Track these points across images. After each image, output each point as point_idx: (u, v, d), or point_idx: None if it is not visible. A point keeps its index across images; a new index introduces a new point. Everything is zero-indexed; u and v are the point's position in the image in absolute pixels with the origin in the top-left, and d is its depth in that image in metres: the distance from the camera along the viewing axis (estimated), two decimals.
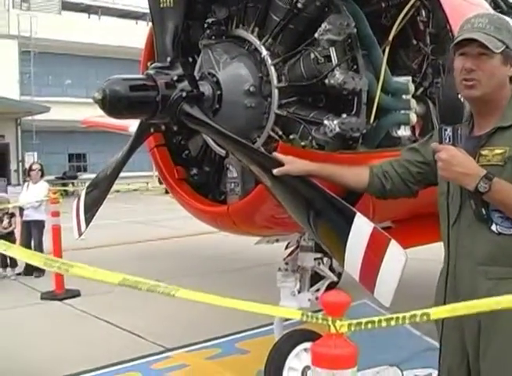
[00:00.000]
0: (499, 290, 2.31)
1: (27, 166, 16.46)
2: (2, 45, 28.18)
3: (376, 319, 1.83)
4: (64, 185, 29.42)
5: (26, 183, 10.64)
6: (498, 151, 2.41)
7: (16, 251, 4.01)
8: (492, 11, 5.23)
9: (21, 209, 10.10)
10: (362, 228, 2.83)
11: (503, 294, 2.14)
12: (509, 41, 2.42)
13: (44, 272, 9.24)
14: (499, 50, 2.38)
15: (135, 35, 31.62)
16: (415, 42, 4.28)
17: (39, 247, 9.47)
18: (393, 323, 1.80)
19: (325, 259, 4.71)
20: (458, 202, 2.49)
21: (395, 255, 2.69)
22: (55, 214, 8.43)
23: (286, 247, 5.89)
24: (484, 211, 2.40)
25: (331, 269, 5.23)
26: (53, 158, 31.60)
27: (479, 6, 5.07)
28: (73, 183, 31.38)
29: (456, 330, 2.53)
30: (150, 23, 3.97)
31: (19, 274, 9.41)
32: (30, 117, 27.96)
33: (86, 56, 32.27)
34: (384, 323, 1.81)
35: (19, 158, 27.91)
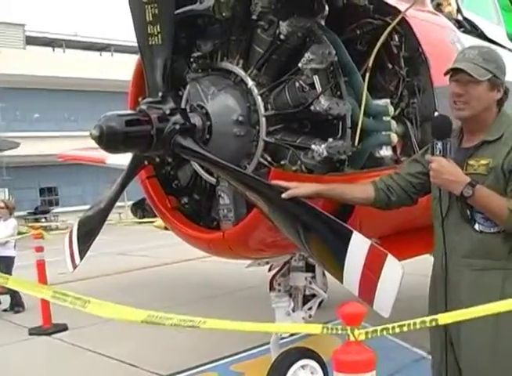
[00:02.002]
0: (482, 280, 2.81)
1: None
2: None
3: (390, 326, 2.02)
4: (37, 220, 29.22)
5: None
6: (483, 162, 2.84)
7: (16, 283, 3.99)
8: (457, 30, 5.50)
9: None
10: (359, 245, 2.99)
11: (485, 283, 2.76)
12: (496, 71, 2.86)
13: (24, 308, 9.29)
14: (484, 78, 2.81)
15: (100, 67, 31.87)
16: (390, 66, 4.48)
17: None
18: (405, 328, 1.99)
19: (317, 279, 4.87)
20: (447, 204, 2.92)
21: (393, 269, 2.86)
22: (39, 249, 8.47)
23: (270, 270, 6.01)
24: (468, 213, 2.85)
25: None
26: (25, 193, 31.34)
27: (447, 28, 5.35)
28: (45, 218, 31.17)
29: (438, 336, 2.96)
30: (136, 59, 4.13)
31: (5, 310, 9.41)
32: None
33: (53, 89, 32.17)
34: (397, 330, 2.00)
35: None
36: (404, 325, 1.99)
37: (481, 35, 6.18)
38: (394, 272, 2.83)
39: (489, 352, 2.80)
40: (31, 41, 36.36)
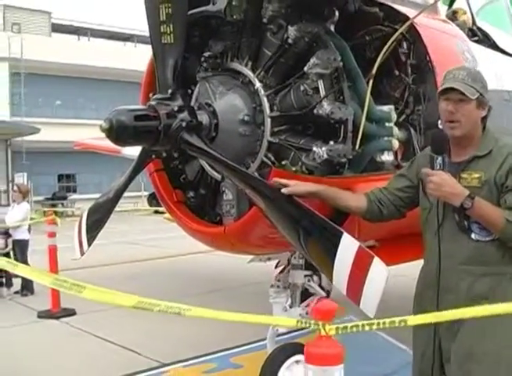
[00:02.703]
0: (477, 285, 2.99)
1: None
2: None
3: (359, 323, 2.15)
4: (54, 205, 29.55)
5: (12, 204, 10.94)
6: (475, 175, 3.03)
7: (23, 269, 4.19)
8: (467, 40, 5.56)
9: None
10: (348, 246, 3.12)
11: (481, 288, 2.94)
12: (482, 90, 3.06)
13: (33, 292, 9.49)
14: (474, 97, 3.00)
15: (123, 56, 32.11)
16: (397, 73, 4.57)
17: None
18: (374, 327, 2.12)
19: (315, 277, 4.97)
20: (441, 215, 3.08)
21: (378, 271, 3.00)
22: (52, 234, 8.67)
23: (276, 266, 6.14)
24: (466, 223, 3.02)
25: (321, 287, 5.47)
26: (43, 179, 31.72)
27: (456, 37, 5.39)
28: (62, 204, 31.50)
29: (425, 332, 3.07)
30: (151, 55, 4.25)
31: (16, 293, 9.63)
32: (19, 139, 28.11)
33: (75, 77, 32.46)
34: (366, 327, 2.13)
35: (10, 179, 27.98)
36: (373, 323, 2.12)
37: (493, 45, 6.23)
38: (380, 274, 2.96)
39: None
40: (57, 28, 36.74)
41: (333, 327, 2.13)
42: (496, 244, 3.00)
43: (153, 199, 11.74)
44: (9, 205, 17.48)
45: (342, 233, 3.17)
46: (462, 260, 3.03)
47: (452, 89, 3.02)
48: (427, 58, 4.54)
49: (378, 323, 2.13)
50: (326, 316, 2.18)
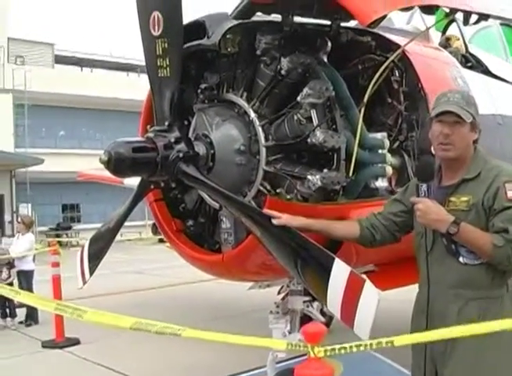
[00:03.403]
0: (467, 309, 2.99)
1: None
2: None
3: (347, 345, 2.22)
4: (58, 236, 29.62)
5: (17, 234, 11.03)
6: (464, 198, 3.05)
7: (26, 296, 4.26)
8: (459, 66, 5.67)
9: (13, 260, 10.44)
10: (340, 272, 3.19)
11: (470, 312, 2.93)
12: (475, 114, 3.09)
13: (37, 321, 9.53)
14: (469, 120, 3.04)
15: (125, 87, 32.36)
16: (390, 100, 4.67)
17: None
18: (362, 348, 2.18)
19: (315, 303, 5.03)
20: (431, 240, 3.12)
21: (370, 295, 3.06)
22: (55, 264, 8.75)
23: (279, 293, 6.20)
24: (453, 247, 3.04)
25: (322, 312, 5.51)
26: (47, 209, 31.83)
27: (448, 64, 5.51)
28: (66, 234, 31.57)
29: (421, 352, 3.08)
30: (148, 90, 4.36)
31: (21, 323, 9.68)
32: (24, 169, 28.28)
33: (78, 107, 32.72)
34: (354, 349, 2.20)
35: (14, 210, 28.11)
36: (361, 345, 2.19)
37: (486, 70, 6.34)
38: (372, 298, 3.03)
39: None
40: (60, 60, 37.10)
41: (321, 350, 2.20)
42: (485, 267, 2.99)
43: (157, 228, 11.81)
44: (13, 236, 17.59)
45: (334, 258, 3.25)
46: (451, 284, 3.04)
47: (447, 112, 3.04)
48: (419, 85, 4.65)
49: (365, 345, 2.20)
50: (314, 338, 2.25)
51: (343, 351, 2.21)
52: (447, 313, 3.02)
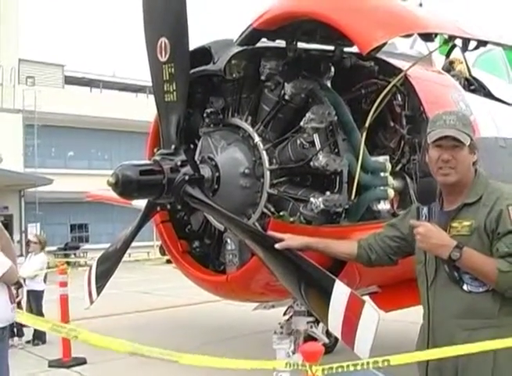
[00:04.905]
0: (473, 338, 2.81)
1: (29, 237, 16.89)
2: (8, 119, 28.89)
3: (344, 364, 2.28)
4: (66, 255, 29.70)
5: (29, 254, 11.09)
6: (466, 223, 2.93)
7: (23, 317, 4.35)
8: (462, 89, 5.74)
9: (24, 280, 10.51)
10: (340, 293, 3.26)
11: (478, 341, 2.72)
12: (472, 135, 3.00)
13: (45, 341, 9.57)
14: (467, 143, 2.95)
15: (134, 107, 32.56)
16: (392, 124, 4.74)
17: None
18: (359, 367, 2.24)
19: (320, 324, 5.07)
20: (433, 267, 3.00)
21: (370, 315, 3.12)
22: (63, 284, 8.81)
23: (285, 314, 6.23)
24: (456, 274, 2.92)
25: (328, 333, 5.53)
26: (55, 229, 31.88)
27: (450, 87, 5.58)
28: (75, 254, 31.63)
29: (436, 370, 2.96)
30: (155, 114, 4.46)
31: (28, 342, 9.72)
32: (33, 189, 28.45)
33: (88, 128, 32.93)
34: (351, 368, 2.25)
35: (23, 229, 28.25)
36: (358, 364, 2.25)
37: (488, 94, 6.42)
38: (371, 318, 3.09)
39: None
40: (70, 80, 37.43)
41: (319, 368, 2.26)
42: (491, 294, 2.86)
43: (163, 248, 11.85)
44: (22, 255, 17.67)
45: (335, 280, 3.32)
46: (455, 313, 2.91)
47: (445, 137, 2.93)
48: (421, 109, 4.70)
49: (362, 364, 2.25)
50: (312, 357, 2.31)
51: (340, 369, 2.27)
52: (454, 343, 2.85)
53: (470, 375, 2.87)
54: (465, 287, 2.91)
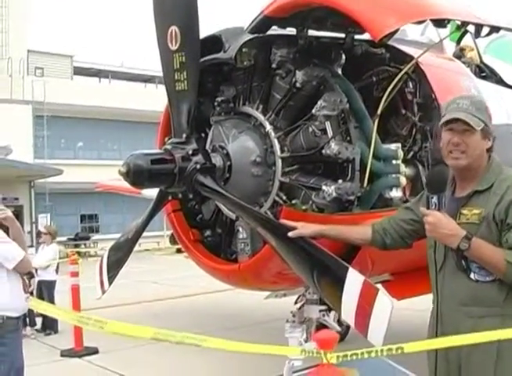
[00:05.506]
0: (480, 326, 2.82)
1: (40, 227, 16.99)
2: (17, 110, 28.93)
3: (359, 351, 2.28)
4: (76, 246, 29.80)
5: (41, 245, 11.15)
6: (475, 211, 2.93)
7: (47, 308, 4.34)
8: (473, 76, 5.70)
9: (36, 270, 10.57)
10: (354, 281, 3.25)
11: (484, 330, 2.72)
12: (487, 120, 2.97)
13: (57, 331, 9.63)
14: (479, 127, 2.92)
15: (143, 98, 32.59)
16: (404, 111, 4.71)
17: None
18: (373, 354, 2.24)
19: (332, 312, 5.07)
20: (442, 253, 3.02)
21: (383, 303, 3.11)
22: (74, 274, 8.86)
23: (296, 302, 6.23)
24: (464, 263, 2.93)
25: (340, 322, 5.53)
26: (66, 219, 32.01)
27: (462, 74, 5.54)
28: (85, 244, 31.75)
29: (443, 360, 3.00)
30: (166, 103, 4.45)
31: (37, 330, 9.79)
32: (43, 180, 28.55)
33: (97, 118, 33.00)
34: (366, 355, 2.26)
35: (33, 220, 28.35)
36: (372, 351, 2.25)
37: (500, 80, 6.37)
38: (385, 306, 3.08)
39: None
40: (79, 71, 37.48)
41: (334, 355, 2.26)
42: (497, 284, 2.88)
43: (174, 238, 11.88)
44: (32, 246, 17.77)
45: (348, 268, 3.31)
46: (461, 301, 2.94)
47: (456, 119, 2.93)
48: (433, 96, 4.67)
49: (376, 351, 2.26)
50: (327, 344, 2.31)
51: (354, 357, 2.27)
52: (459, 331, 2.84)
53: (473, 363, 2.90)
54: (472, 275, 2.93)
